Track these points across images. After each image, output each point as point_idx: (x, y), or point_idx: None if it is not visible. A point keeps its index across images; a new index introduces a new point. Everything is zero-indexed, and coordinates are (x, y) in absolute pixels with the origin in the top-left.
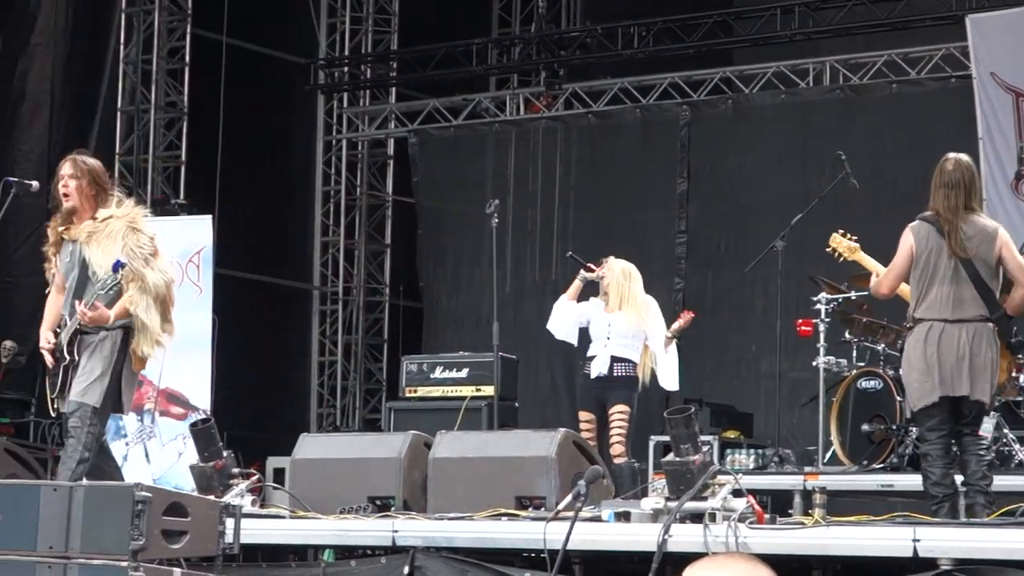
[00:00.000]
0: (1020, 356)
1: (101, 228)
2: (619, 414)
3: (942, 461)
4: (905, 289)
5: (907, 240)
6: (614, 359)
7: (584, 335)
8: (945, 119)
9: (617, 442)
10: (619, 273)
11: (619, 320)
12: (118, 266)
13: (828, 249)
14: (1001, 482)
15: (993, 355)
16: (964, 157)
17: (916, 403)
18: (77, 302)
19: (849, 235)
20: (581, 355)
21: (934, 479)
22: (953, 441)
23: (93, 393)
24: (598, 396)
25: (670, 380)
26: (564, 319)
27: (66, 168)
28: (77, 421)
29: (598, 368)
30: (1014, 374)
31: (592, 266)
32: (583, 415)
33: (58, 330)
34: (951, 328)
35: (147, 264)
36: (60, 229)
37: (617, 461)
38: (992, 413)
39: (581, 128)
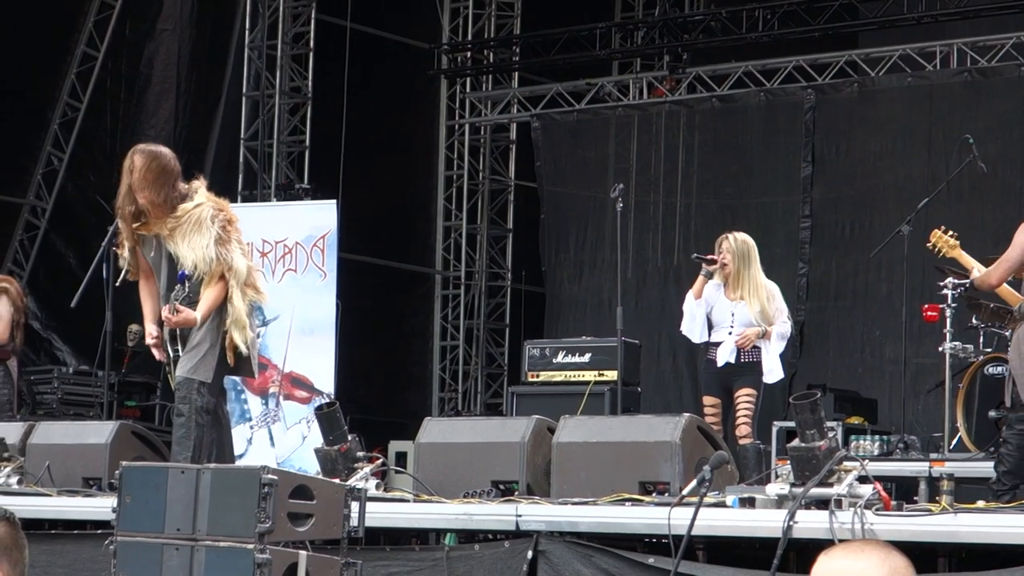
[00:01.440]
0: None
1: (183, 222)
2: (745, 397)
3: (1021, 452)
4: (1005, 289)
5: (1022, 235)
6: (740, 347)
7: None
8: None
9: (743, 423)
10: (739, 258)
11: (742, 310)
12: (183, 278)
13: (928, 244)
14: None
15: None
16: None
17: None
18: (163, 308)
19: (950, 232)
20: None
21: (1008, 467)
22: None
23: (200, 367)
24: (723, 382)
25: (773, 372)
26: (697, 320)
27: (134, 159)
28: (185, 394)
29: (724, 356)
30: None
31: (713, 257)
32: (708, 400)
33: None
34: None
35: (234, 249)
36: (135, 226)
37: (743, 442)
38: None
39: (704, 112)
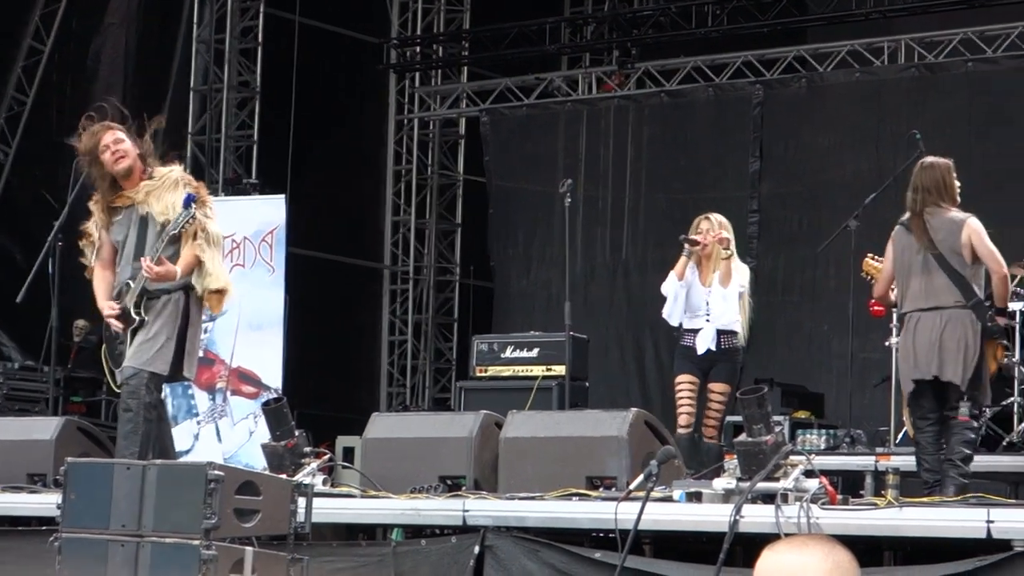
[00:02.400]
0: (999, 340)
1: (159, 184)
2: (719, 395)
3: (932, 448)
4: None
5: (889, 248)
6: (720, 332)
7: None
8: (1022, 98)
9: (712, 425)
10: (718, 246)
11: (717, 299)
12: (190, 200)
13: (863, 274)
14: None
15: (968, 339)
16: (933, 160)
17: (905, 392)
18: (143, 259)
19: (879, 258)
20: (677, 327)
21: (926, 466)
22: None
23: (156, 359)
24: (702, 366)
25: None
26: (679, 303)
27: (108, 136)
28: (134, 389)
29: (705, 343)
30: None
31: (696, 238)
32: (685, 378)
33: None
34: (926, 316)
35: (209, 214)
36: (110, 199)
37: (709, 442)
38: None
39: (653, 107)
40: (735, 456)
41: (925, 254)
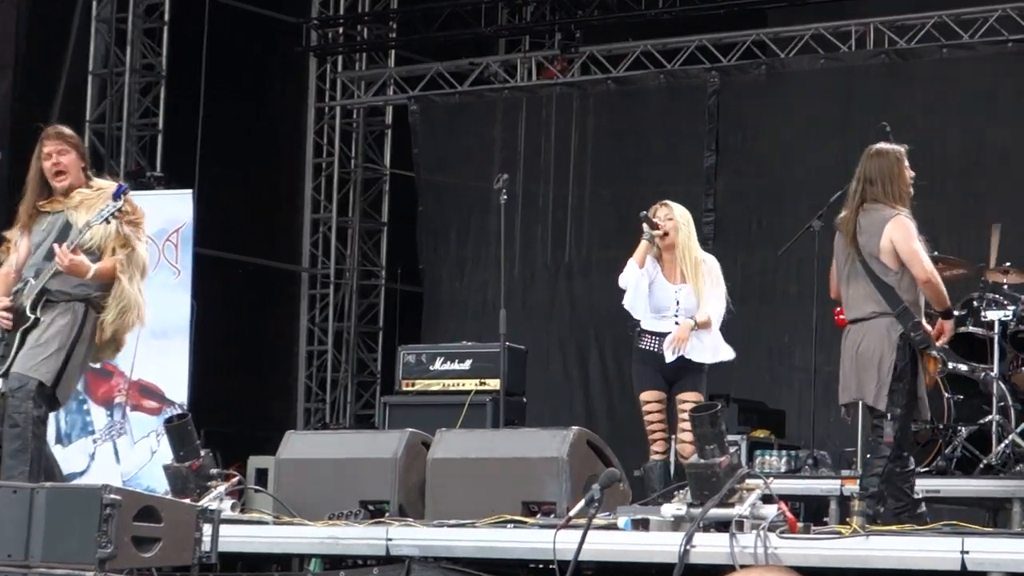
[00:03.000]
0: (929, 350)
1: (94, 195)
2: (693, 404)
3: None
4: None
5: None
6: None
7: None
8: (1002, 88)
9: (690, 441)
10: (683, 236)
11: (687, 296)
12: (120, 192)
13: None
14: None
15: (884, 351)
16: (880, 147)
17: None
18: (55, 245)
19: None
20: (631, 326)
21: (891, 490)
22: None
23: (43, 368)
24: (667, 376)
25: (719, 350)
26: (641, 292)
27: (53, 143)
28: (20, 402)
29: (672, 352)
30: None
31: (660, 223)
32: (651, 395)
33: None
34: (852, 329)
35: (139, 235)
36: (40, 203)
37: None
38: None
39: (599, 96)
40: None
41: (852, 260)
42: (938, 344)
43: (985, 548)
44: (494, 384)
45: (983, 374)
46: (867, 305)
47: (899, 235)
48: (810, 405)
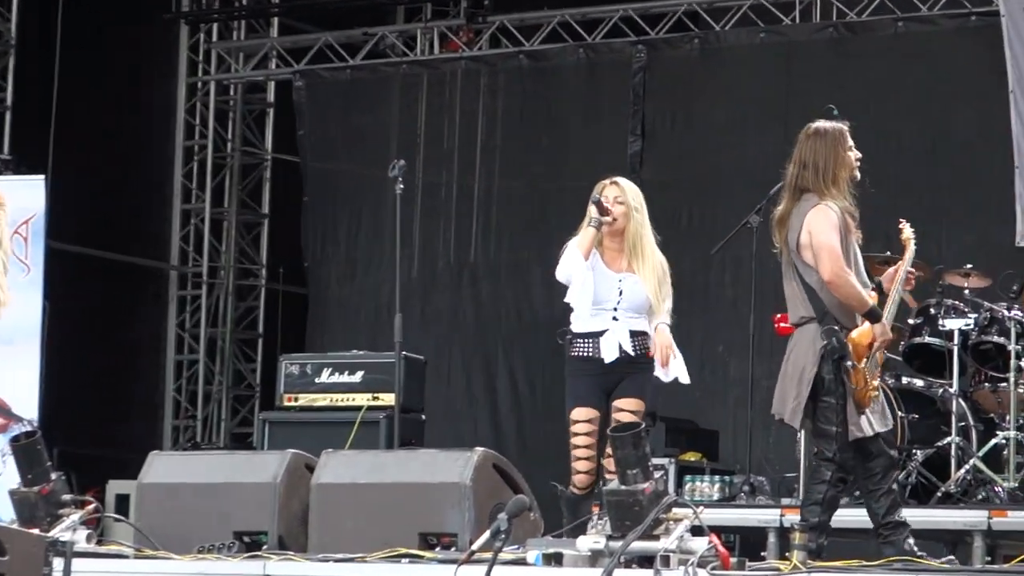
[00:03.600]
0: (847, 361)
1: None
2: (631, 414)
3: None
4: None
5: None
6: (633, 334)
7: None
8: (963, 66)
9: None
10: (635, 211)
11: (633, 286)
12: None
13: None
14: None
15: (807, 362)
16: (818, 125)
17: None
18: None
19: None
20: (561, 333)
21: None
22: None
23: None
24: (606, 384)
25: (682, 369)
26: (589, 285)
27: None
28: None
29: (611, 349)
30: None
31: (610, 208)
32: (582, 413)
33: None
34: (792, 336)
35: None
36: None
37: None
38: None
39: (510, 72)
40: (604, 508)
41: (787, 259)
42: (872, 352)
43: None
44: (388, 399)
45: (941, 391)
46: (798, 309)
47: (815, 227)
48: (747, 424)
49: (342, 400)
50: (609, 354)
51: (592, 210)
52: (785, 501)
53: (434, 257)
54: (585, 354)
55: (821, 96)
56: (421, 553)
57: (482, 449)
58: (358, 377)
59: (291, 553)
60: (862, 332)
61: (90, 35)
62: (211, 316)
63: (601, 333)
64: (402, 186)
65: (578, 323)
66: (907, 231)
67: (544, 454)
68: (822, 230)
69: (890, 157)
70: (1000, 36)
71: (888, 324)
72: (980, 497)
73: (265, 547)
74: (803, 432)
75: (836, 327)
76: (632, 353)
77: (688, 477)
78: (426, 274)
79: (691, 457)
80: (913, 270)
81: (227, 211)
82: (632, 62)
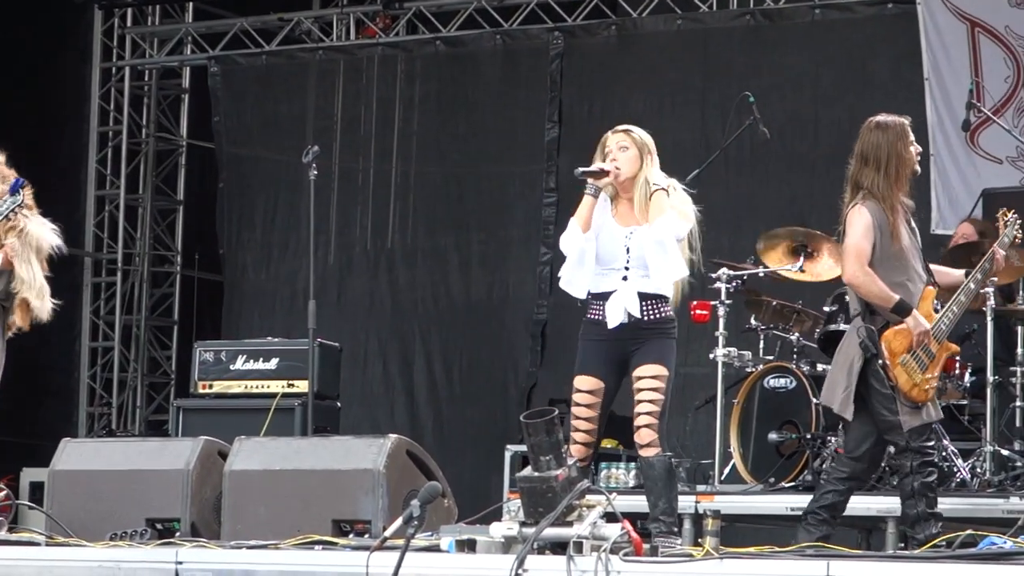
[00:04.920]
0: (877, 358)
1: None
2: (651, 380)
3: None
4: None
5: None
6: (642, 297)
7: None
8: (880, 54)
9: (647, 424)
10: (642, 156)
11: (641, 240)
12: (18, 186)
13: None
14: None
15: (854, 355)
16: (881, 119)
17: None
18: None
19: None
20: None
21: (829, 502)
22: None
23: None
24: (615, 352)
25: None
26: (587, 264)
27: None
28: None
29: (616, 313)
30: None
31: (602, 167)
32: (584, 381)
33: None
34: None
35: (32, 216)
36: None
37: (645, 454)
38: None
39: (426, 58)
40: (518, 495)
41: None
42: (915, 348)
43: (853, 572)
44: (303, 386)
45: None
46: (853, 303)
47: (848, 228)
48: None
49: (257, 387)
50: (613, 319)
51: (588, 182)
52: (701, 488)
53: (351, 243)
54: (595, 317)
55: (738, 83)
56: (334, 540)
57: (396, 436)
58: (273, 364)
59: (204, 540)
60: (896, 330)
61: (2, 19)
62: (126, 303)
63: (608, 295)
64: (316, 172)
65: (591, 283)
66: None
67: (461, 440)
68: (850, 232)
69: (806, 144)
70: (916, 24)
71: (959, 311)
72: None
73: (178, 534)
74: (729, 419)
75: (872, 326)
76: (643, 318)
77: (603, 464)
78: (343, 260)
79: (607, 444)
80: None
81: (142, 197)
82: (549, 49)
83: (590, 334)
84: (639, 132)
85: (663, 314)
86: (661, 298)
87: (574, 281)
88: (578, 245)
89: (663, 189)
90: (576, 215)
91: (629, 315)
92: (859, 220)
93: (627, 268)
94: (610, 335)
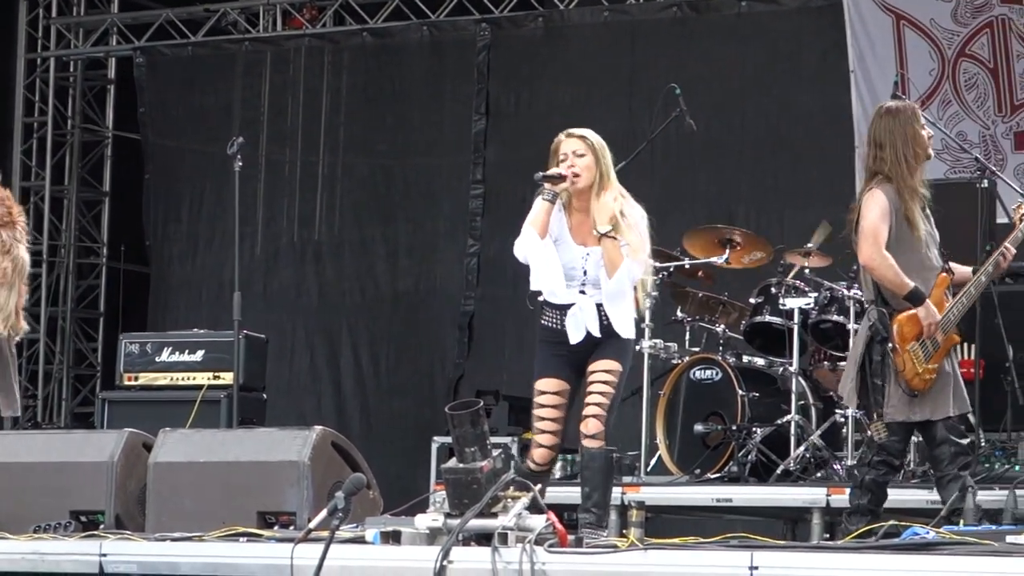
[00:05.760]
0: (886, 343)
1: None
2: (604, 373)
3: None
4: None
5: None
6: (601, 308)
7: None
8: (807, 47)
9: (595, 415)
10: (599, 164)
11: (598, 260)
12: None
13: None
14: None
15: (855, 346)
16: (891, 105)
17: None
18: None
19: None
20: (531, 296)
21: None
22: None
23: None
24: (576, 360)
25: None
26: (554, 264)
27: None
28: None
29: (576, 329)
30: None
31: (560, 171)
32: (548, 383)
33: None
34: None
35: (19, 238)
36: None
37: (589, 444)
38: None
39: (354, 50)
40: (444, 486)
41: None
42: (924, 336)
43: (777, 563)
44: (228, 378)
45: (781, 369)
46: (866, 292)
47: (863, 212)
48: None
49: (183, 379)
50: (575, 335)
51: (544, 187)
52: (626, 479)
53: (278, 234)
54: (553, 325)
55: (665, 75)
56: (259, 532)
57: (321, 427)
58: (199, 356)
59: (128, 532)
60: (909, 315)
61: None
62: (51, 295)
63: (567, 307)
64: (241, 163)
65: (552, 293)
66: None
67: (388, 432)
68: (866, 215)
69: (733, 136)
70: (842, 16)
71: (967, 303)
72: (819, 475)
73: (102, 526)
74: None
75: (885, 310)
76: (598, 335)
77: None
78: (269, 251)
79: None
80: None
81: (67, 189)
82: (476, 40)
83: (551, 340)
84: (595, 138)
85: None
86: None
87: (545, 279)
88: (539, 251)
89: (613, 237)
90: (531, 220)
91: (588, 332)
92: (875, 203)
93: (584, 284)
94: (571, 348)
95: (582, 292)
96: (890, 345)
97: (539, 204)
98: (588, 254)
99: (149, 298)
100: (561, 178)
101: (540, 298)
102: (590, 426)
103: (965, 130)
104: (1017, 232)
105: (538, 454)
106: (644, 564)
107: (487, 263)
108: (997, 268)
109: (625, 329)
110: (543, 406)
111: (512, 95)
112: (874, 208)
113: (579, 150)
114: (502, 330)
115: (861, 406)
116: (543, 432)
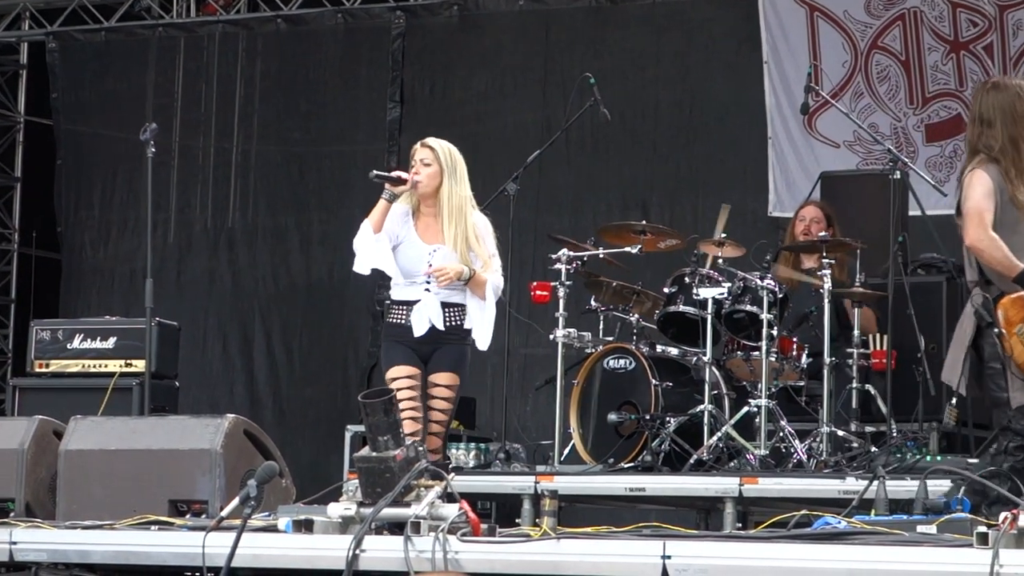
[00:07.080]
0: (991, 327)
1: None
2: (444, 389)
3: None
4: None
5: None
6: (445, 306)
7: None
8: (720, 38)
9: (435, 433)
10: (447, 172)
11: (443, 258)
12: None
13: None
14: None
15: (968, 327)
16: (998, 80)
17: None
18: None
19: None
20: (378, 300)
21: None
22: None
23: None
24: (421, 352)
25: (483, 338)
26: (376, 257)
27: None
28: None
29: (421, 323)
30: (794, 353)
31: (402, 174)
32: (401, 370)
33: None
34: None
35: None
36: None
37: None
38: None
39: (267, 36)
40: (357, 475)
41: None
42: None
43: (689, 552)
44: (141, 365)
45: (695, 359)
46: (970, 273)
47: (967, 192)
48: (503, 392)
49: (94, 366)
50: (419, 328)
51: (385, 187)
52: (540, 468)
53: (191, 222)
54: (398, 321)
55: (580, 65)
56: (171, 520)
57: (233, 415)
58: (111, 343)
59: (38, 520)
60: (1013, 298)
61: None
62: None
63: (414, 303)
64: (154, 150)
65: (395, 290)
66: None
67: (301, 420)
68: (970, 195)
69: (647, 126)
70: (756, 7)
71: None
72: (732, 464)
73: (12, 514)
74: (569, 400)
75: (988, 294)
76: (442, 328)
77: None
78: (182, 239)
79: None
80: None
81: None
82: (391, 28)
83: (397, 336)
84: (446, 149)
85: (460, 322)
86: (460, 306)
87: (366, 262)
88: (367, 246)
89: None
90: (369, 217)
91: (432, 325)
92: (979, 183)
93: (429, 282)
94: (416, 341)
95: (427, 290)
96: (997, 331)
97: (379, 203)
98: (434, 250)
99: (61, 285)
100: (401, 181)
101: (387, 302)
102: (431, 443)
103: (877, 122)
104: None
105: (407, 426)
106: (557, 553)
107: None
108: None
109: (483, 341)
110: (401, 389)
111: (427, 83)
112: (978, 187)
113: (427, 159)
114: None
115: (971, 391)
116: (407, 410)
